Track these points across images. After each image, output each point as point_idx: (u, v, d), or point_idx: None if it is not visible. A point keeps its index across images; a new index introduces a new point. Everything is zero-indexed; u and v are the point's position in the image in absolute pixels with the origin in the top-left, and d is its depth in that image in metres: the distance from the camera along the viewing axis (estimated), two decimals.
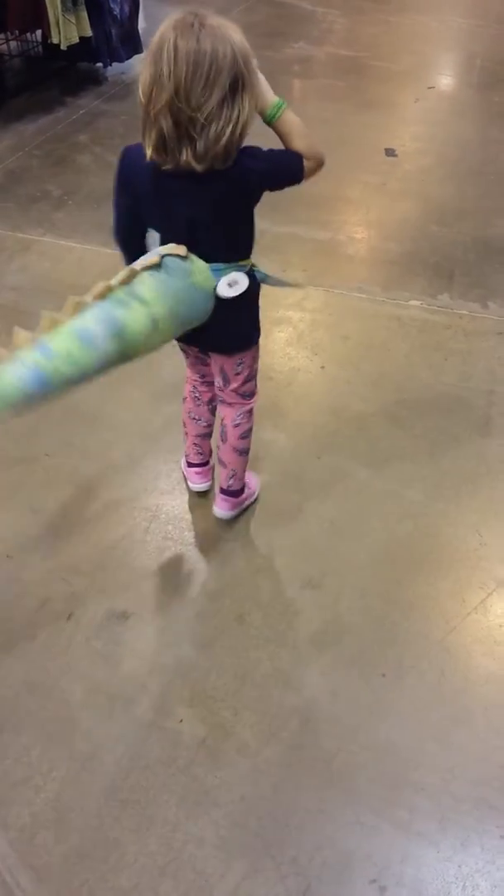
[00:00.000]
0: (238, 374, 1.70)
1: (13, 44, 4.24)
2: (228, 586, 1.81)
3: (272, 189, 1.43)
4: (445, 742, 1.53)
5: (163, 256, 1.39)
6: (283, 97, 1.41)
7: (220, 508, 1.94)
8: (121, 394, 2.32)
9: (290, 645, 1.69)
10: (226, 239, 1.45)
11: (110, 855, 1.36)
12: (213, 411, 1.88)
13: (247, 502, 1.99)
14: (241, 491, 1.94)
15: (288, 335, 2.56)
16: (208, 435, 1.94)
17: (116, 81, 4.39)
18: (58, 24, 3.79)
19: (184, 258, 1.40)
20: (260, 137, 1.38)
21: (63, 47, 3.88)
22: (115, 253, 1.56)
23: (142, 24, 4.42)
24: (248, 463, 1.89)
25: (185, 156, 1.30)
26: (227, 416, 1.79)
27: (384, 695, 1.60)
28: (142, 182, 1.41)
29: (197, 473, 2.00)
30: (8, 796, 1.44)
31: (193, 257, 1.43)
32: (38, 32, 4.14)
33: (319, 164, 1.44)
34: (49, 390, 1.29)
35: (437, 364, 2.47)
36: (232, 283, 1.46)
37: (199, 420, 1.90)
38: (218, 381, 1.75)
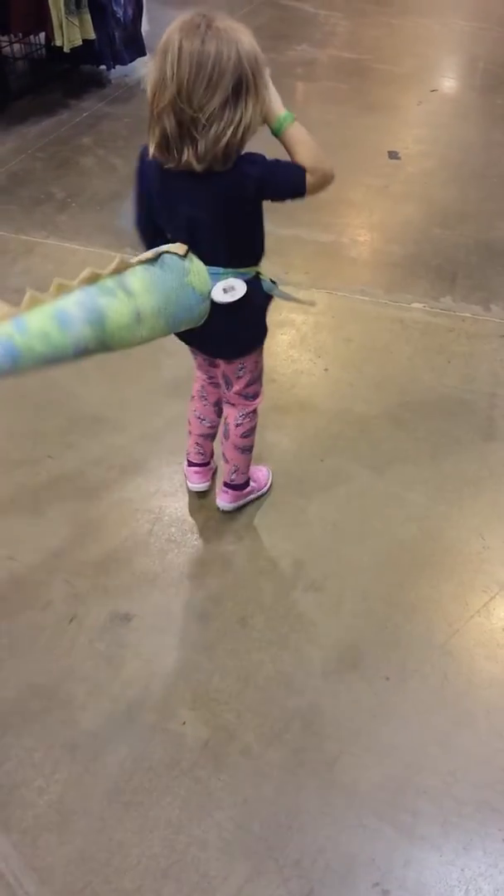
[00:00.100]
0: (240, 377, 1.71)
1: (17, 46, 4.24)
2: (231, 589, 1.81)
3: (273, 199, 1.42)
4: (448, 745, 1.53)
5: (161, 253, 1.40)
6: (291, 109, 1.39)
7: (222, 500, 1.95)
8: (123, 395, 2.32)
9: (293, 647, 1.69)
10: (227, 243, 1.45)
11: (113, 857, 1.36)
12: (219, 413, 1.89)
13: (251, 496, 1.99)
14: (245, 485, 1.94)
15: (291, 338, 2.56)
16: (211, 436, 1.94)
17: (120, 84, 4.40)
18: (61, 26, 3.80)
19: (183, 257, 1.41)
20: (266, 144, 1.38)
21: (66, 50, 3.89)
22: (117, 255, 1.56)
23: (145, 26, 4.42)
24: (253, 461, 1.91)
25: (187, 155, 1.30)
26: (230, 415, 1.80)
27: (387, 698, 1.60)
28: (152, 179, 1.43)
29: (196, 473, 2.00)
30: (11, 798, 1.44)
31: (193, 258, 1.43)
32: (42, 35, 4.16)
33: (325, 179, 1.41)
34: (19, 365, 1.30)
35: (439, 367, 2.47)
36: (228, 289, 1.46)
37: (204, 420, 1.90)
38: (222, 383, 1.76)
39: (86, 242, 3.00)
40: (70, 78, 4.41)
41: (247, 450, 1.86)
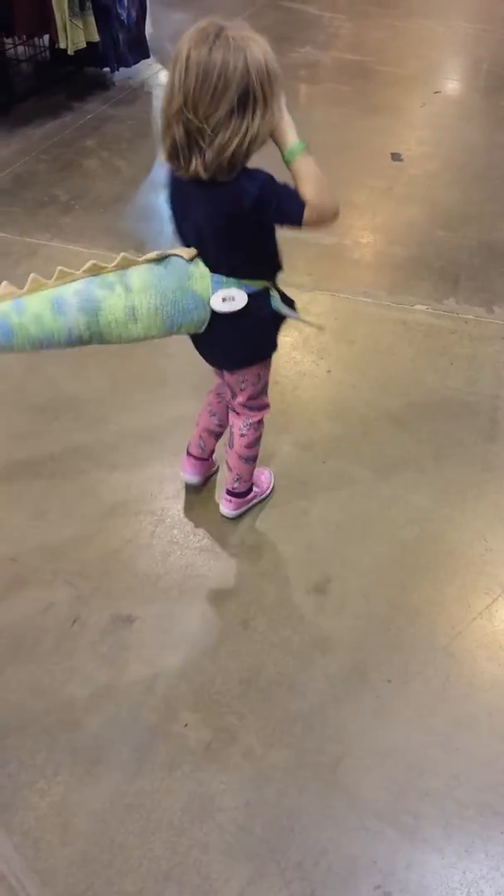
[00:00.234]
0: (242, 389, 1.70)
1: (21, 49, 4.25)
2: (233, 591, 1.81)
3: (271, 222, 1.42)
4: (450, 748, 1.53)
5: (168, 254, 1.42)
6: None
7: (225, 508, 1.95)
8: (126, 397, 2.33)
9: (295, 650, 1.69)
10: (228, 254, 1.45)
11: (115, 859, 1.36)
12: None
13: (254, 501, 1.99)
14: (248, 492, 1.94)
15: (294, 339, 2.56)
16: (217, 434, 1.94)
17: (124, 86, 4.41)
18: (65, 28, 3.80)
19: (188, 261, 1.42)
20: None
21: (70, 52, 3.90)
22: (122, 253, 1.57)
23: (149, 29, 4.43)
24: (257, 462, 1.90)
25: (195, 164, 1.32)
26: (235, 424, 1.80)
27: (389, 700, 1.60)
28: (170, 185, 1.46)
29: (191, 465, 1.99)
30: (13, 800, 1.44)
31: (199, 263, 1.44)
32: (46, 37, 4.16)
33: (326, 216, 1.38)
34: (14, 344, 1.37)
35: (442, 369, 2.47)
36: (227, 298, 1.46)
37: (214, 416, 1.89)
38: (227, 391, 1.76)
39: (89, 244, 3.00)
40: (74, 80, 4.42)
41: (250, 460, 1.86)
